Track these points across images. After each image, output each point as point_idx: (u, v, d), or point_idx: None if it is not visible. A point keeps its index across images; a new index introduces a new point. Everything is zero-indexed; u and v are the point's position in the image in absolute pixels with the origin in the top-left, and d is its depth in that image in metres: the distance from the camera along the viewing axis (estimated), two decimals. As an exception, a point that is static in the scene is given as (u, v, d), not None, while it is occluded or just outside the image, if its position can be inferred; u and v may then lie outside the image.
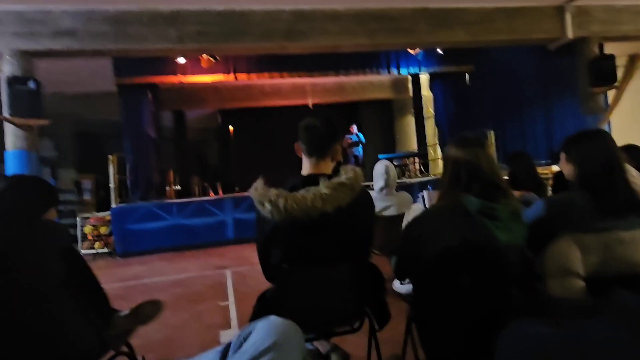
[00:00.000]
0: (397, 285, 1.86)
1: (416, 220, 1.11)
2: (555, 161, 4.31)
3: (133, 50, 4.67)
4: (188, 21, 4.49)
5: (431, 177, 6.69)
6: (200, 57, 5.95)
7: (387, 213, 2.34)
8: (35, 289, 1.10)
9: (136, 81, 6.29)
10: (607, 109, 5.90)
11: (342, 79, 8.18)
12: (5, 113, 3.95)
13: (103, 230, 5.60)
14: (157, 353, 1.98)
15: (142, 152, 6.41)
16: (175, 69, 6.40)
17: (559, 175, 2.24)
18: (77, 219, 5.84)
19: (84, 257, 1.28)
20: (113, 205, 5.50)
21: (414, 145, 9.03)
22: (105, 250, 5.49)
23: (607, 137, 1.15)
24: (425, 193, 1.67)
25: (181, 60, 6.20)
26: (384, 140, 10.42)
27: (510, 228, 1.03)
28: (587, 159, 1.12)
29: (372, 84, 8.98)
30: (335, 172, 1.16)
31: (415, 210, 1.74)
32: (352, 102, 9.59)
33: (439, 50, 7.04)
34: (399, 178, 6.76)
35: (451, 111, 7.79)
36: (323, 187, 1.03)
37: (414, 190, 5.76)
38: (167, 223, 5.43)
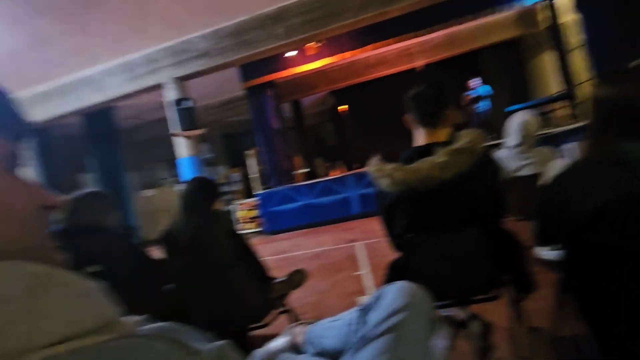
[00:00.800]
0: (542, 251, 1.66)
1: (559, 177, 0.97)
2: None
3: (251, 55, 5.27)
4: (292, 14, 4.78)
5: (582, 124, 5.45)
6: (305, 46, 6.25)
7: (523, 173, 2.07)
8: (217, 262, 1.45)
9: (257, 82, 7.09)
10: None
11: (453, 29, 7.27)
12: (175, 130, 5.09)
13: (253, 213, 6.69)
14: (309, 314, 2.33)
15: (271, 144, 7.26)
16: (287, 63, 6.91)
17: None
18: (233, 205, 7.12)
19: (243, 235, 1.61)
20: (256, 192, 6.48)
21: (555, 88, 7.43)
22: (257, 229, 6.57)
23: None
24: (569, 146, 1.41)
25: (291, 53, 6.66)
26: (514, 88, 8.87)
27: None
28: None
29: (492, 25, 7.68)
30: (454, 137, 1.10)
31: (556, 166, 1.50)
32: (468, 53, 8.43)
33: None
34: (541, 129, 5.72)
35: (609, 33, 6.05)
36: (440, 156, 1.01)
37: (561, 142, 4.82)
38: (300, 204, 6.10)
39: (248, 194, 8.88)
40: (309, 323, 0.86)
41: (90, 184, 8.23)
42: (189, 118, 5.01)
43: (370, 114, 9.67)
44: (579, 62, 6.77)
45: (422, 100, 1.12)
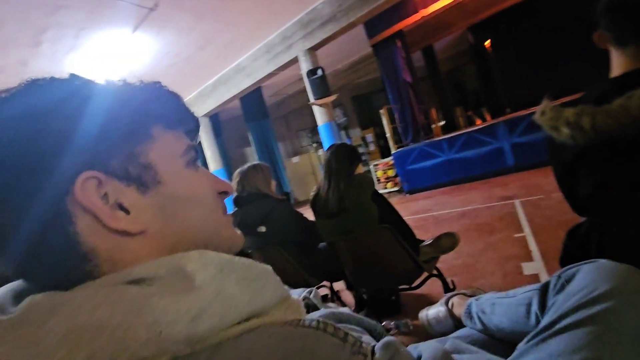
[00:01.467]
0: None
1: None
2: None
3: (376, 8, 4.98)
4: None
5: None
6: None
7: None
8: (364, 225, 1.49)
9: (384, 35, 6.70)
10: None
11: None
12: (311, 100, 5.41)
13: (390, 173, 6.66)
14: (460, 277, 2.19)
15: (404, 98, 6.90)
16: (416, 6, 6.25)
17: None
18: (370, 166, 7.25)
19: (386, 197, 1.59)
20: (392, 151, 6.37)
21: None
22: (396, 189, 6.55)
23: None
24: None
25: (418, -7, 5.97)
26: None
27: None
28: None
29: None
30: None
31: None
32: None
33: None
34: None
35: None
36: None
37: None
38: (441, 159, 5.66)
39: (383, 153, 8.86)
40: (470, 295, 0.79)
41: (252, 156, 9.82)
42: (321, 86, 5.23)
43: (521, 46, 7.92)
44: None
45: (626, 8, 0.78)
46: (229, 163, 8.42)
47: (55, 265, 0.29)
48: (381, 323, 1.70)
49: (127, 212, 0.31)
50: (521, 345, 0.50)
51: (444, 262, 2.41)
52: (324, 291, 2.23)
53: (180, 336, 0.25)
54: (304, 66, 5.46)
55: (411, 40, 7.74)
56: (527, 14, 7.51)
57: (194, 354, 0.25)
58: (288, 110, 10.98)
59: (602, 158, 0.80)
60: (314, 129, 8.56)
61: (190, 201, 0.35)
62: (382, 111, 6.64)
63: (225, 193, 0.41)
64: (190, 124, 0.40)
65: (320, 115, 5.52)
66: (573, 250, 1.01)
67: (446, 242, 1.51)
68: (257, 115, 8.18)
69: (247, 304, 0.30)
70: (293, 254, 1.68)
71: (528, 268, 2.04)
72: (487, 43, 7.78)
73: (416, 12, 6.30)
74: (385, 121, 6.60)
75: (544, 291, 0.58)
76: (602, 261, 0.52)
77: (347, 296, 2.27)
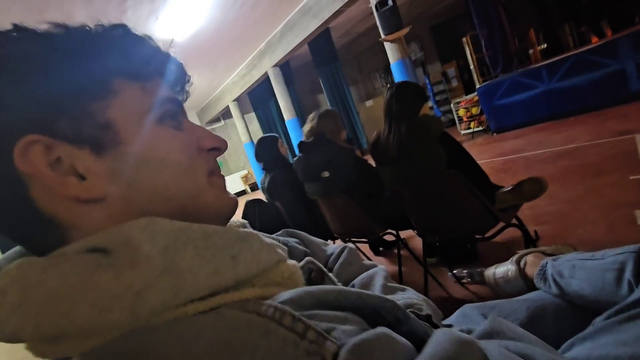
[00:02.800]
0: None
1: None
2: None
3: None
4: None
5: None
6: None
7: None
8: (428, 171, 1.37)
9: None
10: None
11: None
12: (382, 35, 4.94)
13: (474, 110, 5.97)
14: (550, 225, 1.93)
15: (493, 22, 5.85)
16: None
17: None
18: (451, 105, 6.58)
19: (456, 140, 1.41)
20: (477, 85, 5.63)
21: None
22: (481, 128, 5.89)
23: None
24: None
25: None
26: None
27: None
28: None
29: None
30: None
31: None
32: None
33: None
34: None
35: None
36: None
37: None
38: (538, 91, 4.81)
39: (468, 89, 7.90)
40: (550, 253, 0.66)
41: (324, 102, 9.74)
42: (391, 19, 4.70)
43: None
44: None
45: None
46: (302, 112, 8.51)
47: (29, 231, 0.29)
48: (452, 272, 1.62)
49: (83, 178, 0.29)
50: (599, 320, 0.40)
51: (533, 208, 2.14)
52: (389, 238, 2.20)
53: (123, 313, 0.24)
54: (373, -2, 4.94)
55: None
56: None
57: (151, 328, 0.24)
58: (359, 50, 10.34)
59: None
60: (387, 69, 7.97)
61: (160, 163, 0.32)
62: (465, 39, 5.78)
63: (216, 150, 0.37)
64: (170, 73, 0.35)
65: (392, 53, 5.06)
66: None
67: (530, 188, 1.29)
68: (326, 59, 7.91)
69: (207, 277, 0.26)
70: (358, 201, 1.66)
71: (643, 217, 1.68)
72: None
73: None
74: (468, 51, 5.76)
75: (642, 255, 0.44)
76: None
77: (417, 243, 2.20)
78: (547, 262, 0.60)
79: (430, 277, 1.67)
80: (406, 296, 0.44)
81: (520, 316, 0.54)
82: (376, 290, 0.45)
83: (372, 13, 5.12)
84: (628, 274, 0.44)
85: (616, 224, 1.71)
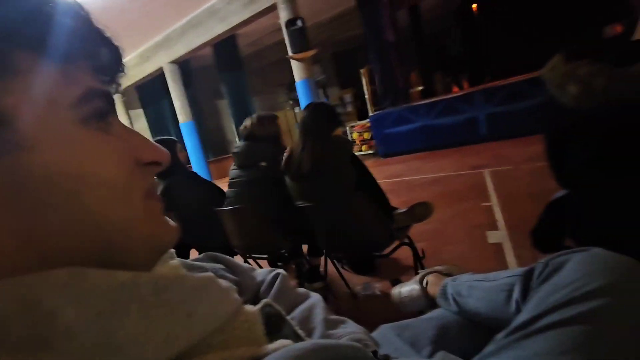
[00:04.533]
0: None
1: None
2: None
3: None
4: None
5: None
6: None
7: None
8: (339, 190, 1.43)
9: (370, -13, 6.29)
10: None
11: None
12: (289, 53, 5.08)
13: (366, 135, 6.61)
14: (428, 242, 2.24)
15: (385, 60, 6.66)
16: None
17: None
18: (346, 128, 7.14)
19: (363, 162, 1.53)
20: (370, 113, 6.27)
21: None
22: (371, 152, 6.54)
23: None
24: None
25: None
26: None
27: None
28: None
29: None
30: None
31: None
32: None
33: None
34: None
35: None
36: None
37: None
38: (417, 125, 5.65)
39: (360, 115, 8.73)
40: (446, 273, 0.76)
41: (225, 109, 9.36)
42: (300, 39, 4.89)
43: (511, 13, 7.72)
44: None
45: None
46: (200, 116, 8.00)
47: None
48: (349, 286, 1.69)
49: None
50: (500, 337, 0.46)
51: (414, 227, 2.45)
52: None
53: None
54: (283, 14, 5.06)
55: (398, -4, 7.34)
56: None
57: None
58: (266, 62, 10.39)
59: (601, 128, 0.75)
60: (291, 85, 8.19)
61: (84, 181, 0.22)
62: (362, 71, 6.41)
63: (156, 164, 0.28)
64: (102, 56, 0.26)
65: (298, 71, 5.24)
66: (548, 223, 1.00)
67: (420, 211, 1.49)
68: (231, 66, 7.68)
69: (157, 349, 0.20)
70: (269, 214, 1.62)
71: (492, 237, 2.10)
72: (475, 6, 7.52)
73: (406, -36, 5.90)
74: (364, 82, 6.40)
75: (527, 278, 0.54)
76: (597, 250, 0.48)
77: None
78: (447, 282, 0.68)
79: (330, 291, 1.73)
80: (349, 330, 0.43)
81: (430, 334, 0.59)
82: (317, 324, 0.42)
83: (280, 29, 5.23)
84: (516, 294, 0.53)
85: (475, 243, 2.09)
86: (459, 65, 9.05)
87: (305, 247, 1.97)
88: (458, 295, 0.64)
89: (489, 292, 0.59)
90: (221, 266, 0.47)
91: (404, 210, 1.51)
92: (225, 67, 7.70)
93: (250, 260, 1.90)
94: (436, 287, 0.73)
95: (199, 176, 2.00)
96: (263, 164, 1.68)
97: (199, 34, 6.36)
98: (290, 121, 9.95)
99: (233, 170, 1.78)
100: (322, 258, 1.73)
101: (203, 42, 6.41)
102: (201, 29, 6.30)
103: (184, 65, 7.37)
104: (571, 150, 0.82)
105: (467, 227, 2.34)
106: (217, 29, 6.08)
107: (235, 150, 1.78)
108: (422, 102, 5.92)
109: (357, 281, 1.83)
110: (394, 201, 1.74)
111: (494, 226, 2.25)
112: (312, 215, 1.52)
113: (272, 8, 5.31)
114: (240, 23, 5.84)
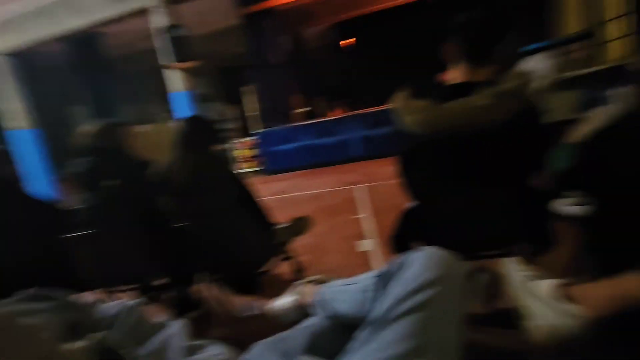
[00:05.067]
0: (563, 206, 1.58)
1: (609, 131, 0.84)
2: None
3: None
4: None
5: (607, 67, 5.06)
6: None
7: (548, 119, 1.91)
8: (216, 206, 1.37)
9: (254, 9, 6.43)
10: None
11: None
12: (166, 61, 4.70)
13: (250, 152, 6.57)
14: (308, 255, 2.34)
15: (269, 80, 6.85)
16: (288, -13, 6.23)
17: None
18: (231, 144, 6.96)
19: (244, 178, 1.51)
20: (253, 131, 6.28)
21: (579, 25, 6.82)
22: (255, 169, 6.52)
23: None
24: (617, 92, 1.25)
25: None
26: (536, 23, 8.15)
27: None
28: None
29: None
30: (498, 77, 0.93)
31: (600, 116, 1.34)
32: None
33: None
34: (559, 72, 5.36)
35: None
36: (481, 98, 0.86)
37: (580, 87, 4.53)
38: (301, 144, 5.96)
39: (246, 132, 8.66)
40: (320, 282, 0.80)
41: (82, 117, 7.93)
42: (182, 48, 4.61)
43: (377, 50, 9.01)
44: (610, -3, 6.13)
45: (471, 31, 0.92)
46: (47, 123, 6.57)
47: None
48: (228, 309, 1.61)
49: None
50: (358, 333, 0.51)
51: (296, 242, 2.53)
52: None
53: None
54: (159, 20, 4.69)
55: (282, 21, 7.71)
56: (387, 22, 8.56)
57: None
58: (140, 68, 9.33)
59: (434, 150, 0.95)
60: (166, 96, 7.58)
61: None
62: (247, 89, 6.43)
63: None
64: None
65: (176, 82, 4.89)
66: (402, 229, 1.17)
67: (300, 225, 1.54)
68: (94, 68, 6.62)
69: None
70: (133, 236, 1.41)
71: (362, 245, 2.34)
72: (348, 41, 8.50)
73: (288, -7, 6.28)
74: (251, 99, 6.42)
75: (382, 278, 0.61)
76: (430, 249, 0.58)
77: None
78: (320, 290, 0.72)
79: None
80: (211, 354, 0.41)
81: (302, 342, 0.61)
82: (176, 353, 0.39)
83: (158, 34, 4.82)
84: (372, 294, 0.60)
85: (348, 252, 2.28)
86: (336, 92, 9.99)
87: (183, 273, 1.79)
88: (329, 301, 0.68)
89: (353, 295, 0.64)
90: (49, 304, 0.39)
91: (285, 225, 1.54)
92: (86, 69, 6.60)
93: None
94: (310, 296, 0.76)
95: (32, 197, 1.60)
96: (115, 182, 1.42)
97: (47, 24, 5.31)
98: (166, 134, 9.13)
99: (77, 192, 1.48)
100: (201, 282, 1.60)
101: (51, 35, 5.37)
102: (51, 19, 5.28)
103: (24, 60, 5.99)
104: (417, 168, 1.01)
105: (342, 239, 2.54)
106: (72, 22, 5.20)
107: (74, 168, 1.47)
108: (305, 122, 6.29)
109: (240, 302, 1.76)
110: (279, 217, 1.77)
111: (363, 236, 2.51)
112: (190, 234, 1.40)
113: (145, 11, 4.87)
114: (106, 21, 5.15)
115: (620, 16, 5.88)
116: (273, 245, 1.38)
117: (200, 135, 1.37)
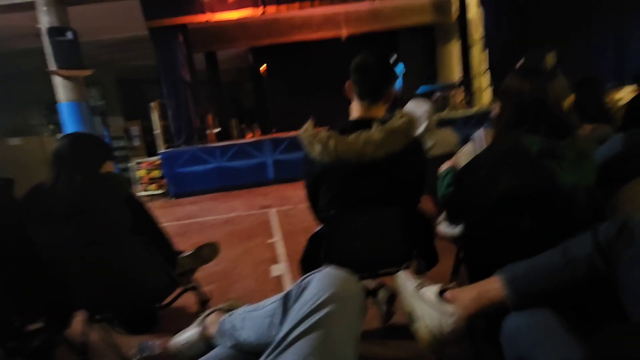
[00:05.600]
0: (444, 227, 1.84)
1: (471, 165, 1.04)
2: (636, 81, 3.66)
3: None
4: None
5: (477, 110, 6.20)
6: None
7: (431, 153, 2.23)
8: (106, 235, 1.22)
9: (166, 23, 6.13)
10: None
11: (377, 4, 7.40)
12: (52, 66, 4.11)
13: (155, 173, 6.02)
14: (217, 284, 2.21)
15: (180, 97, 6.50)
16: (203, 7, 6.12)
17: (635, 102, 1.96)
18: (131, 163, 6.29)
19: (144, 203, 1.38)
20: (161, 150, 5.81)
21: (458, 75, 8.28)
22: (160, 191, 5.97)
23: None
24: (478, 133, 1.55)
25: (207, -5, 5.90)
26: (425, 70, 9.62)
27: (578, 168, 0.94)
28: None
29: (412, 8, 8.05)
30: (389, 115, 1.08)
31: (467, 152, 1.64)
32: (390, 30, 8.77)
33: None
34: (440, 112, 6.32)
35: (504, 31, 6.81)
36: (375, 132, 0.98)
37: (458, 125, 5.44)
38: (212, 166, 5.71)
39: (150, 151, 7.94)
40: (227, 310, 0.77)
41: None
42: (70, 54, 4.08)
43: (292, 78, 9.39)
44: (478, 56, 7.64)
45: (367, 73, 1.06)
46: None
47: None
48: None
49: None
50: (263, 358, 0.51)
51: (203, 270, 2.37)
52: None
53: None
54: (45, 19, 4.11)
55: (196, 39, 7.49)
56: (297, 53, 9.00)
57: None
58: (15, 71, 7.89)
59: (336, 177, 1.04)
60: (52, 106, 6.56)
61: None
62: (153, 104, 5.96)
63: None
64: None
65: (64, 90, 4.29)
66: (310, 252, 1.22)
67: (207, 252, 1.47)
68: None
69: None
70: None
71: (275, 270, 2.33)
72: (263, 67, 8.65)
73: (203, 12, 6.18)
74: (156, 116, 5.95)
75: (285, 300, 0.62)
76: (328, 269, 0.62)
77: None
78: (224, 319, 0.70)
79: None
80: None
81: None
82: None
83: (39, 35, 4.21)
84: (277, 318, 0.61)
85: (261, 277, 2.24)
86: (251, 115, 9.99)
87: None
88: (233, 329, 0.67)
89: (257, 320, 0.64)
90: None
91: (190, 252, 1.45)
92: None
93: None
94: (215, 326, 0.73)
95: None
96: None
97: None
98: (49, 149, 7.80)
99: None
100: (83, 323, 1.37)
101: None
102: None
103: None
104: (320, 193, 1.09)
105: (255, 263, 2.48)
106: None
107: None
108: (218, 144, 6.08)
109: (134, 343, 1.55)
110: (185, 244, 1.64)
111: (276, 260, 2.50)
112: (69, 267, 1.21)
113: (30, 6, 4.23)
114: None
115: (484, 71, 7.33)
116: (175, 276, 1.28)
117: (83, 152, 1.22)
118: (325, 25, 8.02)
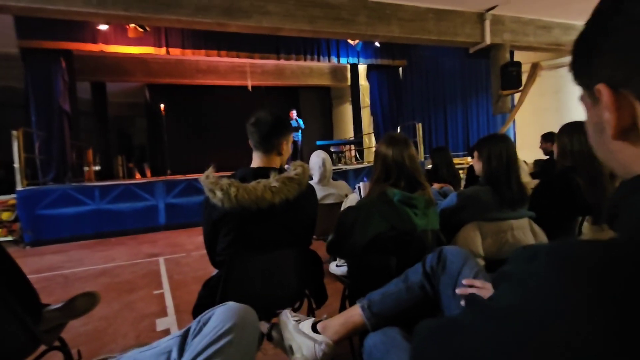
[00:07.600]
0: (332, 267, 2.02)
1: (350, 209, 1.25)
2: (471, 154, 4.85)
3: (43, 10, 4.06)
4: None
5: (365, 165, 7.07)
6: (127, 26, 5.39)
7: (326, 201, 2.47)
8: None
9: (45, 45, 5.46)
10: (513, 109, 6.81)
11: (283, 62, 8.08)
12: None
13: (6, 216, 4.90)
14: (87, 346, 1.89)
15: (54, 127, 5.65)
16: (95, 36, 5.71)
17: (471, 169, 2.60)
18: (-30, 203, 5.00)
19: (5, 249, 1.17)
20: (19, 187, 4.81)
21: (350, 133, 9.38)
22: (10, 238, 4.83)
23: (509, 141, 1.40)
24: (360, 185, 1.84)
25: (103, 26, 5.56)
26: (322, 126, 10.64)
27: (426, 214, 1.23)
28: (493, 158, 1.37)
29: (312, 70, 9.04)
30: (285, 165, 1.23)
31: (351, 200, 1.91)
32: (292, 87, 9.57)
33: (376, 44, 7.34)
34: (335, 165, 7.01)
35: (385, 102, 8.22)
36: (273, 181, 1.10)
37: (349, 177, 6.05)
38: (88, 208, 4.95)
39: (4, 189, 6.45)
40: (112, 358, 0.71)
41: None
42: None
43: (193, 120, 9.17)
44: (367, 118, 8.91)
45: (260, 126, 1.20)
46: None
47: None
48: None
49: None
50: None
51: (68, 331, 1.99)
52: None
53: None
54: None
55: (82, 66, 6.81)
56: (200, 96, 8.92)
57: None
58: None
59: (237, 222, 1.11)
60: None
61: None
62: (15, 133, 5.00)
63: None
64: None
65: None
66: (205, 298, 1.21)
67: (82, 303, 1.29)
68: None
69: None
70: None
71: (162, 323, 2.11)
72: (162, 106, 8.28)
73: (95, 42, 5.74)
74: (17, 147, 4.97)
75: (184, 337, 0.65)
76: (230, 303, 0.68)
77: None
78: (110, 365, 0.66)
79: None
80: None
81: None
82: None
83: None
84: (174, 354, 0.62)
85: (143, 333, 2.00)
86: (142, 153, 9.19)
87: None
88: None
89: (151, 359, 0.64)
90: None
91: (60, 305, 1.25)
92: None
93: None
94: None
95: None
96: None
97: None
98: None
99: None
100: None
101: None
102: None
103: None
104: (219, 237, 1.14)
105: (136, 318, 2.21)
106: None
107: None
108: (98, 183, 5.37)
109: None
110: (44, 300, 1.39)
111: (164, 313, 2.27)
112: None
113: None
114: None
115: (371, 132, 8.55)
116: (38, 332, 1.08)
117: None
118: (232, 73, 8.29)
